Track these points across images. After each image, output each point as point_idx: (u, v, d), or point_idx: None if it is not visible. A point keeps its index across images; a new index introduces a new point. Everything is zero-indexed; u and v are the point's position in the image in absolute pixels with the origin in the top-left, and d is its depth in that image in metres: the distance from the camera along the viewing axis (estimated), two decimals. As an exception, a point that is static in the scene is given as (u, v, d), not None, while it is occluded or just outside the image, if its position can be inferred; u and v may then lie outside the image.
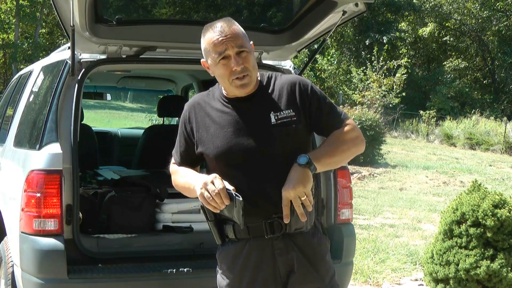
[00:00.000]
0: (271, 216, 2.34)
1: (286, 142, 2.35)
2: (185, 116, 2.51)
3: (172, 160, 2.60)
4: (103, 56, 3.74)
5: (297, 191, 2.25)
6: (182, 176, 2.48)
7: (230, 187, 2.26)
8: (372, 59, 23.17)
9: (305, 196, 2.26)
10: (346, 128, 2.41)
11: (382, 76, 21.71)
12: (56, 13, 3.46)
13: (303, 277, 2.41)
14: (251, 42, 2.39)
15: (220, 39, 2.30)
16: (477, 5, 36.42)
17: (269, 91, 2.42)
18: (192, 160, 2.51)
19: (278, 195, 2.29)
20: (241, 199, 2.24)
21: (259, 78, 2.44)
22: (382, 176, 14.15)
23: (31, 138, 3.70)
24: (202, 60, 2.44)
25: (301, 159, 2.28)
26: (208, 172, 2.40)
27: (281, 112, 2.37)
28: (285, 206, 2.28)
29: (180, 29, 3.86)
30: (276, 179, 2.31)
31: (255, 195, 2.32)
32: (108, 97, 7.37)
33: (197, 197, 2.37)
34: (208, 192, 2.24)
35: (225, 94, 2.43)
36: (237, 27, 2.35)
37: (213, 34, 2.32)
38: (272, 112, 2.37)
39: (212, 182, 2.25)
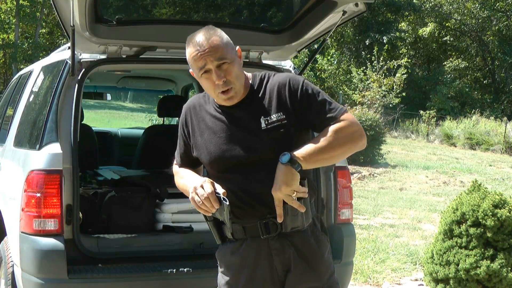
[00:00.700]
0: (265, 216, 2.35)
1: (278, 146, 2.33)
2: (182, 119, 2.52)
3: (175, 161, 2.61)
4: (103, 56, 3.74)
5: (283, 191, 2.24)
6: (181, 178, 2.51)
7: (221, 191, 2.28)
8: (372, 59, 23.15)
9: (294, 193, 2.25)
10: (340, 124, 2.32)
11: (382, 76, 21.69)
12: (56, 13, 3.46)
13: (300, 276, 2.41)
14: (237, 47, 2.37)
15: (199, 54, 2.28)
16: (477, 5, 36.43)
17: (260, 94, 2.39)
18: (192, 162, 2.52)
19: (270, 196, 2.30)
20: (227, 203, 2.26)
21: (250, 82, 2.42)
22: (382, 176, 14.15)
23: (31, 138, 3.70)
24: (190, 70, 2.42)
25: (283, 157, 2.25)
26: (206, 174, 2.42)
27: (271, 117, 2.35)
28: (277, 206, 2.29)
29: (180, 29, 3.84)
30: (268, 181, 2.30)
31: (249, 197, 2.33)
32: (108, 97, 7.36)
33: None
34: (198, 196, 2.27)
35: (216, 101, 2.43)
36: (217, 38, 2.30)
37: (192, 48, 2.30)
38: (262, 117, 2.35)
39: (202, 186, 2.27)
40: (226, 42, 2.33)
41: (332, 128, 2.32)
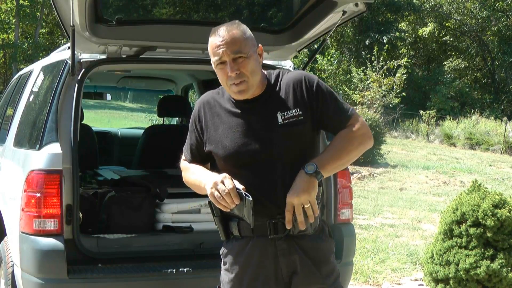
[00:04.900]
0: (275, 216, 2.36)
1: (293, 142, 2.37)
2: (195, 114, 2.53)
3: (183, 157, 2.61)
4: (103, 56, 3.74)
5: (301, 199, 2.27)
6: (193, 173, 2.50)
7: (240, 187, 2.28)
8: (372, 59, 23.14)
9: (308, 204, 2.28)
10: (353, 128, 2.39)
11: (382, 76, 21.68)
12: (56, 13, 3.46)
13: (307, 278, 2.41)
14: (259, 46, 2.41)
15: (218, 44, 2.33)
16: (477, 5, 36.43)
17: (276, 90, 2.43)
18: (202, 158, 2.53)
19: (283, 197, 2.31)
20: (251, 199, 2.26)
21: (266, 78, 2.45)
22: (382, 176, 14.15)
23: (31, 138, 3.70)
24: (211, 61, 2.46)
25: (308, 167, 2.29)
26: (216, 170, 2.42)
27: (288, 112, 2.38)
28: (287, 212, 2.30)
29: (180, 29, 3.86)
30: (282, 181, 2.33)
31: (261, 195, 2.33)
32: (108, 97, 7.35)
33: (201, 196, 2.44)
34: (219, 192, 2.26)
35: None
36: (238, 32, 2.34)
37: (213, 38, 2.36)
38: (279, 112, 2.38)
39: (222, 182, 2.27)
40: (247, 37, 2.36)
41: (345, 133, 2.39)
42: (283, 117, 2.37)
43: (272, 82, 2.45)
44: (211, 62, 2.40)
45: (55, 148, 3.38)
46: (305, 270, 2.41)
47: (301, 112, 2.38)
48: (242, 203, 2.27)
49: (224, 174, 2.30)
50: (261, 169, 2.36)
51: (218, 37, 2.33)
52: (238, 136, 2.38)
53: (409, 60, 28.44)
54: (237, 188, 2.27)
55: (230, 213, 2.38)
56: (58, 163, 3.34)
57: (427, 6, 37.43)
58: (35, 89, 4.10)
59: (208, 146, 2.46)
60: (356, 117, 2.42)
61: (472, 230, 4.44)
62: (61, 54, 4.02)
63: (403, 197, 11.31)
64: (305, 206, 2.27)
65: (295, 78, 2.43)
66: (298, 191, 2.27)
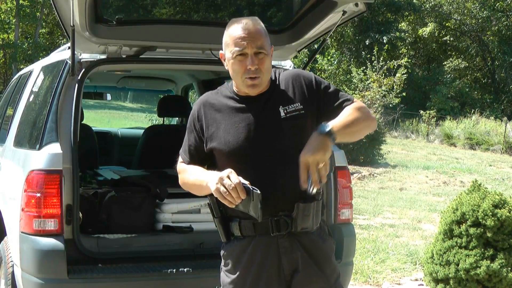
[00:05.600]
0: (277, 213, 2.36)
1: (295, 136, 2.37)
2: (194, 114, 2.52)
3: (180, 159, 2.59)
4: (103, 56, 3.74)
5: (316, 157, 2.22)
6: (192, 174, 2.48)
7: (246, 182, 2.27)
8: (372, 59, 23.11)
9: (323, 163, 2.24)
10: (357, 103, 2.45)
11: (382, 76, 21.66)
12: (56, 13, 3.46)
13: (308, 276, 2.41)
14: (272, 46, 2.43)
15: (243, 35, 2.33)
16: (477, 5, 36.45)
17: (277, 88, 2.46)
18: (201, 158, 2.51)
19: (286, 192, 2.32)
20: (258, 192, 2.24)
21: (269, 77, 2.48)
22: (382, 176, 14.15)
23: (31, 138, 3.70)
24: (220, 52, 2.46)
25: (323, 127, 2.28)
26: (217, 169, 2.41)
27: (290, 106, 2.40)
28: (302, 171, 2.24)
29: (180, 29, 3.86)
30: (285, 176, 2.33)
31: (264, 190, 2.31)
32: (108, 97, 7.36)
33: (202, 196, 2.42)
34: (224, 187, 2.24)
35: (236, 91, 2.45)
36: (261, 28, 2.38)
37: (237, 29, 2.35)
38: (281, 106, 2.41)
39: (228, 177, 2.25)
40: (267, 35, 2.40)
41: (352, 106, 2.43)
42: (285, 111, 2.40)
43: (273, 79, 2.48)
44: (227, 52, 2.39)
45: (55, 148, 3.38)
46: (307, 269, 2.41)
47: (302, 106, 2.41)
48: (248, 198, 2.25)
49: (229, 170, 2.28)
50: (264, 164, 2.36)
51: (243, 29, 2.34)
52: (241, 131, 2.39)
53: (409, 60, 28.41)
54: (242, 183, 2.26)
55: (232, 214, 2.37)
56: (58, 163, 3.34)
57: (427, 6, 37.44)
58: (35, 89, 4.10)
59: (210, 144, 2.45)
60: (357, 101, 2.48)
61: (472, 230, 4.44)
62: (61, 54, 4.02)
63: (403, 197, 11.31)
64: (320, 165, 2.23)
65: (293, 75, 2.48)
66: (313, 149, 2.23)
